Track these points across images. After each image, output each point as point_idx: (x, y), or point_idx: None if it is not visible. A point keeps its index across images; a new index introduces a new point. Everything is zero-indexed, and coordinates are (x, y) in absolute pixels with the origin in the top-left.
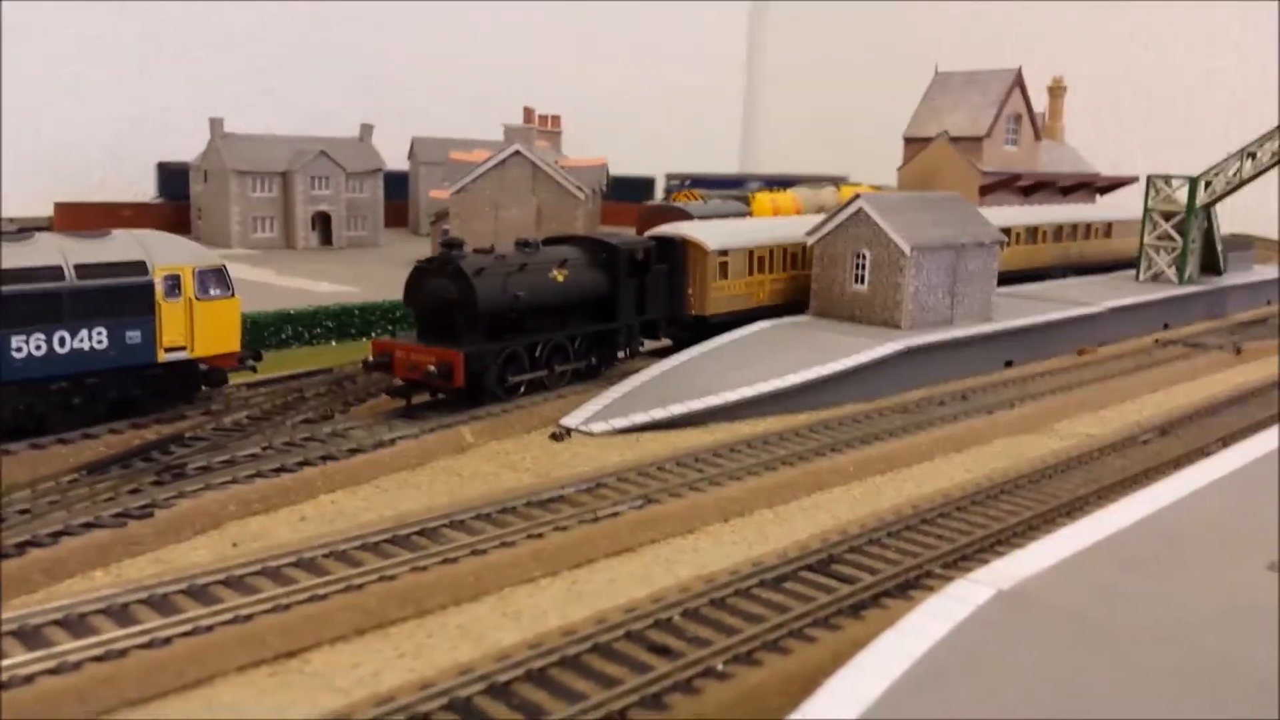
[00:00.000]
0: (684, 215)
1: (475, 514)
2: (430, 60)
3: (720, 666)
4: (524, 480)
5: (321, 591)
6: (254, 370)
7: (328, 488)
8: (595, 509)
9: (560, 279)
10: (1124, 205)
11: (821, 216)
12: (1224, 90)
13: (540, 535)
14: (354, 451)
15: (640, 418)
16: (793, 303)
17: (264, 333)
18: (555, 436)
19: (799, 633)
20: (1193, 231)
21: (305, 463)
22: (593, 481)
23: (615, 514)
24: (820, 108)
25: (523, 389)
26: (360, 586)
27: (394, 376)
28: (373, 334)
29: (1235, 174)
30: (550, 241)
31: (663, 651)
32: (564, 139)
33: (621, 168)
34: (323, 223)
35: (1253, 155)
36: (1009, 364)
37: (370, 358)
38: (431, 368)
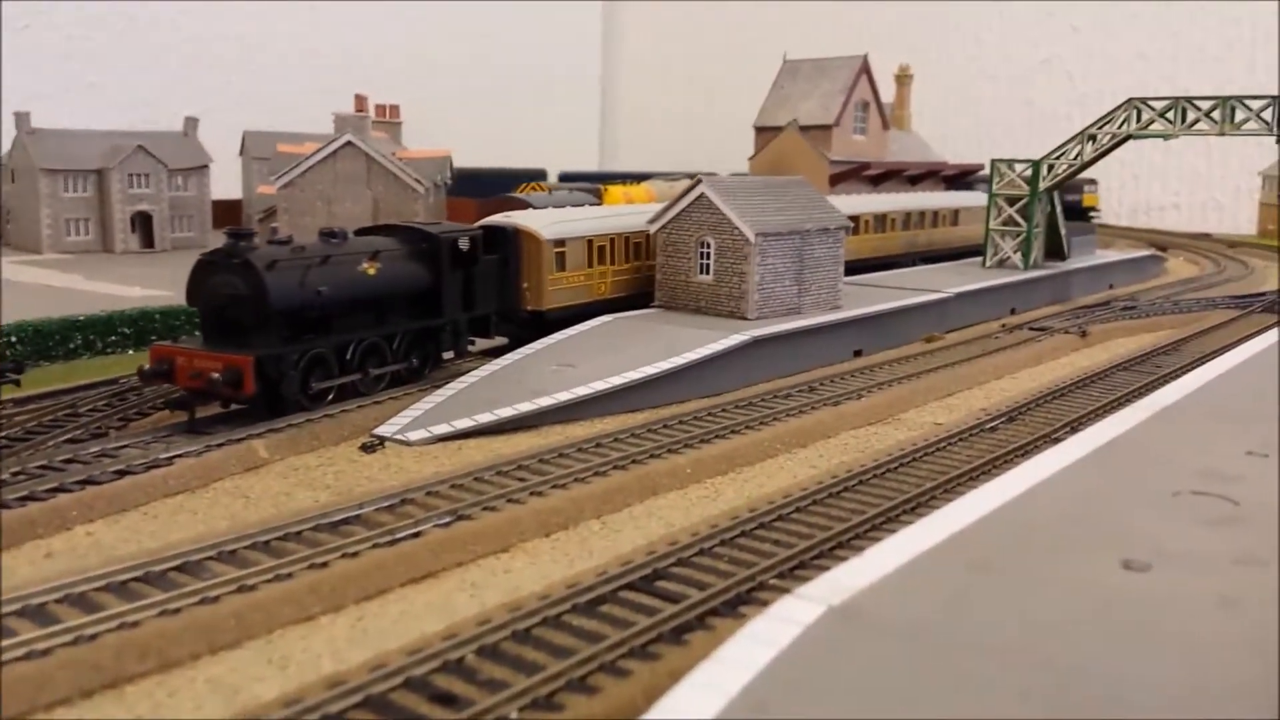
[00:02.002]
0: (523, 206)
1: (250, 543)
2: (271, 52)
3: (514, 715)
4: (321, 499)
5: (41, 646)
6: (16, 384)
7: (85, 517)
8: (394, 529)
9: (372, 272)
10: (971, 193)
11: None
12: (1062, 77)
13: (324, 564)
14: (121, 474)
15: (464, 423)
16: (638, 295)
17: (49, 342)
18: (366, 447)
19: (610, 666)
20: (1036, 215)
21: (60, 489)
22: (397, 497)
23: (417, 534)
24: (679, 102)
25: (331, 395)
26: (92, 637)
27: (176, 386)
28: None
29: (1076, 156)
30: (364, 232)
31: (446, 701)
32: (415, 133)
33: (474, 163)
34: (143, 223)
35: (1093, 137)
36: (858, 353)
37: (146, 365)
38: (216, 375)
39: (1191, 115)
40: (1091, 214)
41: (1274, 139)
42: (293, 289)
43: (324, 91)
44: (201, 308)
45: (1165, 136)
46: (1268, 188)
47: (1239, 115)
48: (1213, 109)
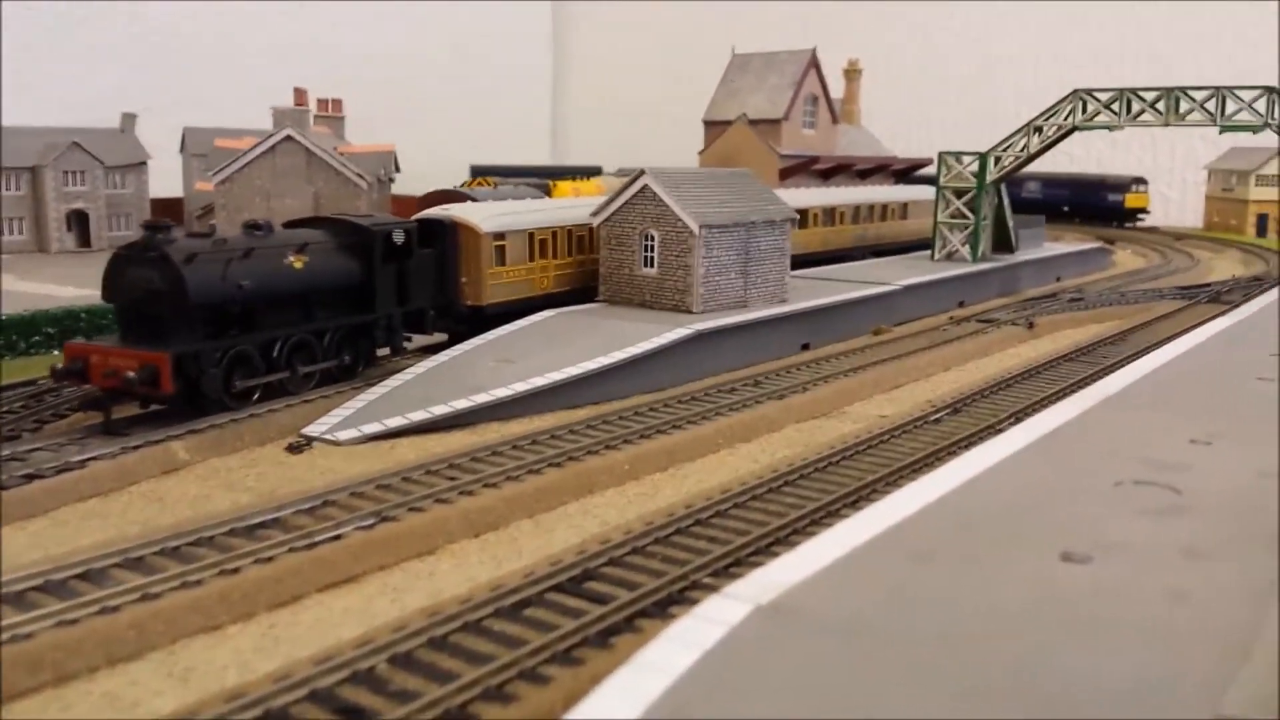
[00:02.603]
0: (465, 200)
1: (159, 548)
2: (222, 50)
3: None
4: (241, 501)
5: None
6: None
7: None
8: (313, 532)
9: (299, 265)
10: (920, 187)
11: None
12: (1012, 75)
13: (235, 570)
14: (30, 478)
15: (397, 422)
16: (581, 289)
17: None
18: (293, 448)
19: (530, 673)
20: (984, 208)
21: None
22: (319, 499)
23: (337, 537)
24: (630, 98)
25: (257, 395)
26: None
27: (92, 385)
28: None
29: (1023, 148)
30: (293, 224)
31: (353, 714)
32: (363, 133)
33: (425, 159)
34: (79, 222)
35: (1039, 129)
36: (805, 346)
37: (60, 364)
38: (131, 373)
39: (1136, 106)
40: (1140, 216)
41: (1218, 130)
42: (213, 283)
43: (272, 90)
44: (117, 303)
45: (1110, 128)
46: (1213, 181)
47: (1183, 106)
48: (1157, 100)
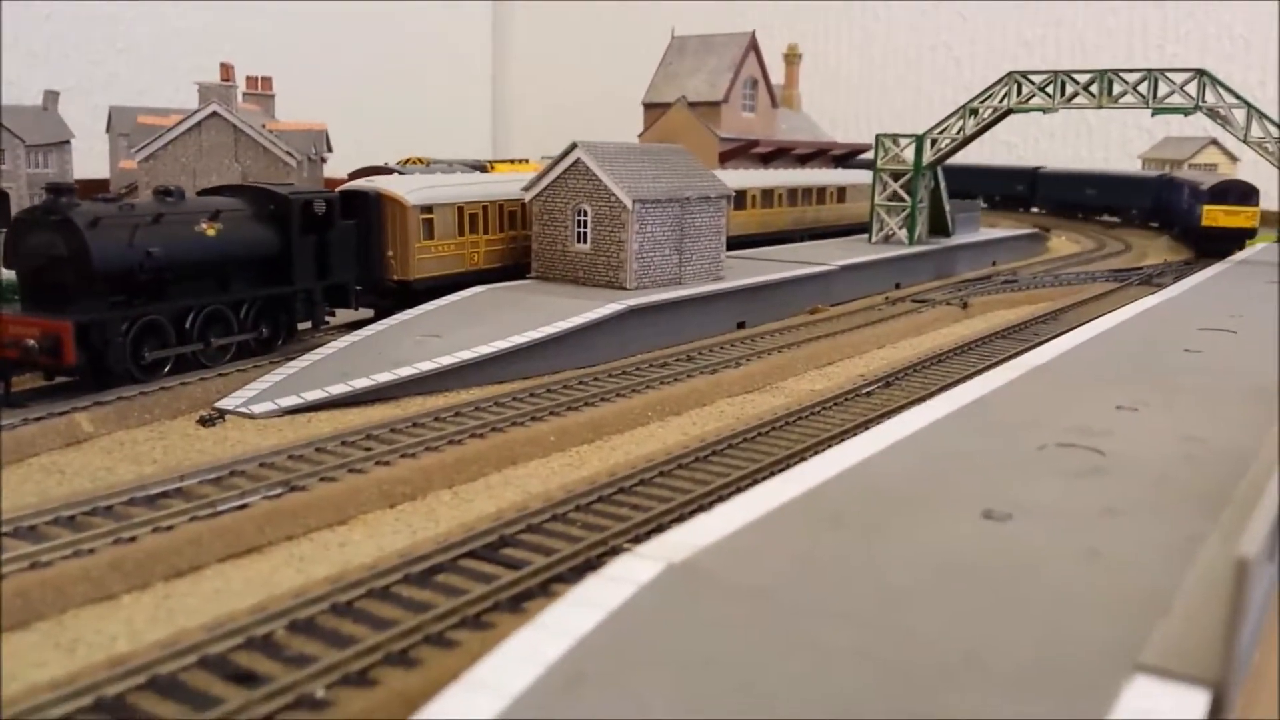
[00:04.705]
0: (394, 175)
1: (52, 517)
2: (158, 38)
3: (320, 693)
4: (145, 473)
5: None
6: None
7: None
8: (216, 502)
9: (211, 233)
10: (860, 171)
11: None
12: (950, 62)
13: (131, 539)
14: None
15: (315, 395)
16: (514, 266)
17: None
18: (205, 420)
19: (437, 637)
20: (920, 190)
21: None
22: (225, 469)
23: (243, 506)
24: (571, 86)
25: (168, 367)
26: None
27: None
28: None
29: (959, 131)
30: (208, 192)
31: (245, 679)
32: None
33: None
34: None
35: (974, 111)
36: (741, 325)
37: None
38: (32, 342)
39: (1070, 89)
40: (1248, 242)
41: (1150, 112)
42: (119, 249)
43: (207, 75)
44: (19, 270)
45: (1045, 110)
46: (1148, 171)
47: (1116, 88)
48: (1090, 83)
